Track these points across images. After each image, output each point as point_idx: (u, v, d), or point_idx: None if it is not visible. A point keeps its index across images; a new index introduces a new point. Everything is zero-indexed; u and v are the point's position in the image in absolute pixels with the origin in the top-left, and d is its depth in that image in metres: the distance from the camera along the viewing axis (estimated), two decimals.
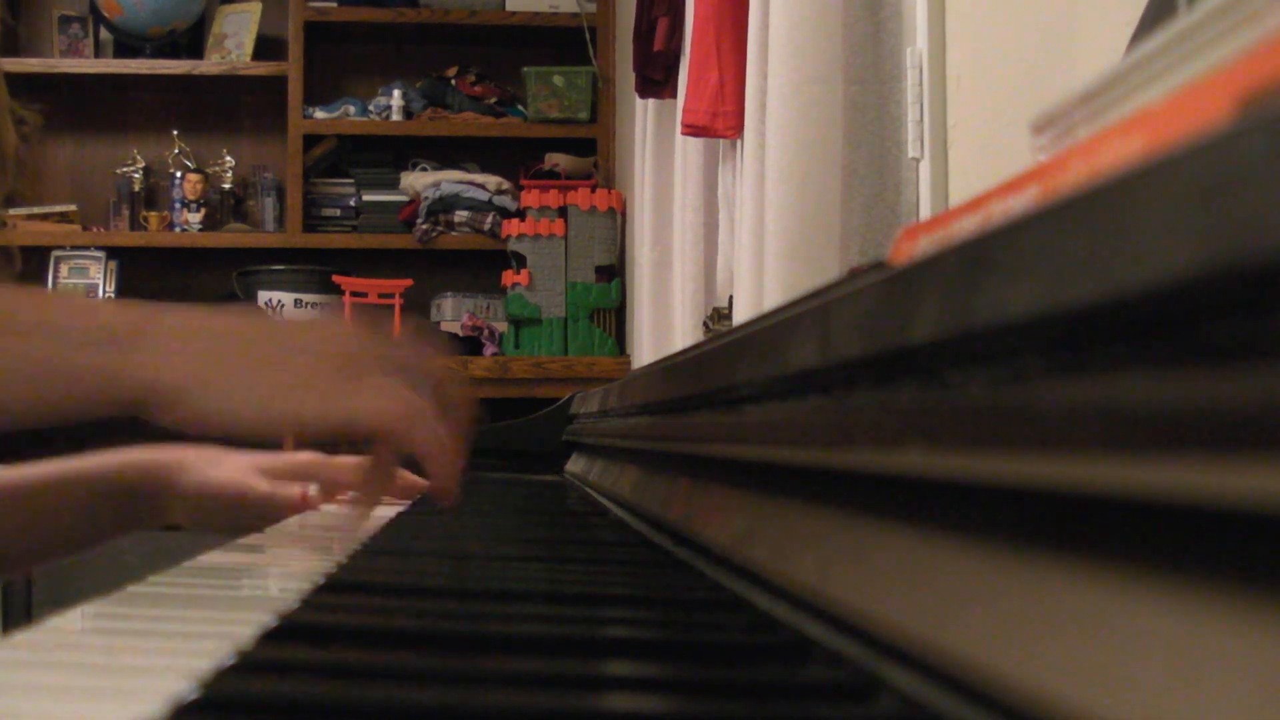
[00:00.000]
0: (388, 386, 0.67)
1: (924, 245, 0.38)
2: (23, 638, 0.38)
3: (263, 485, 1.01)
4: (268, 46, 3.63)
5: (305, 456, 1.08)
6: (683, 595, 0.52)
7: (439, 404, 0.69)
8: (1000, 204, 0.35)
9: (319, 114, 3.54)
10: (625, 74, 2.93)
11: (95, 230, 3.54)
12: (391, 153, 3.60)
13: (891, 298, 0.34)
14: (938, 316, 0.30)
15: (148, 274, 3.58)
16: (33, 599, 2.92)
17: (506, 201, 3.46)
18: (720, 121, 1.87)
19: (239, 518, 1.01)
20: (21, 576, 2.78)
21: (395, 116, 3.55)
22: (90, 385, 0.64)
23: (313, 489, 1.01)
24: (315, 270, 3.39)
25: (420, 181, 3.49)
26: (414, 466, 0.80)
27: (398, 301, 3.32)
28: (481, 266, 3.49)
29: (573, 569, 0.62)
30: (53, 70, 3.53)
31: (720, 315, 1.97)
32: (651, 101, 2.56)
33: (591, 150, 3.54)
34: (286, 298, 3.34)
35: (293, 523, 0.91)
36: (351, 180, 3.57)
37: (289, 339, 0.68)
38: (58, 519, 1.03)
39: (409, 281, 3.36)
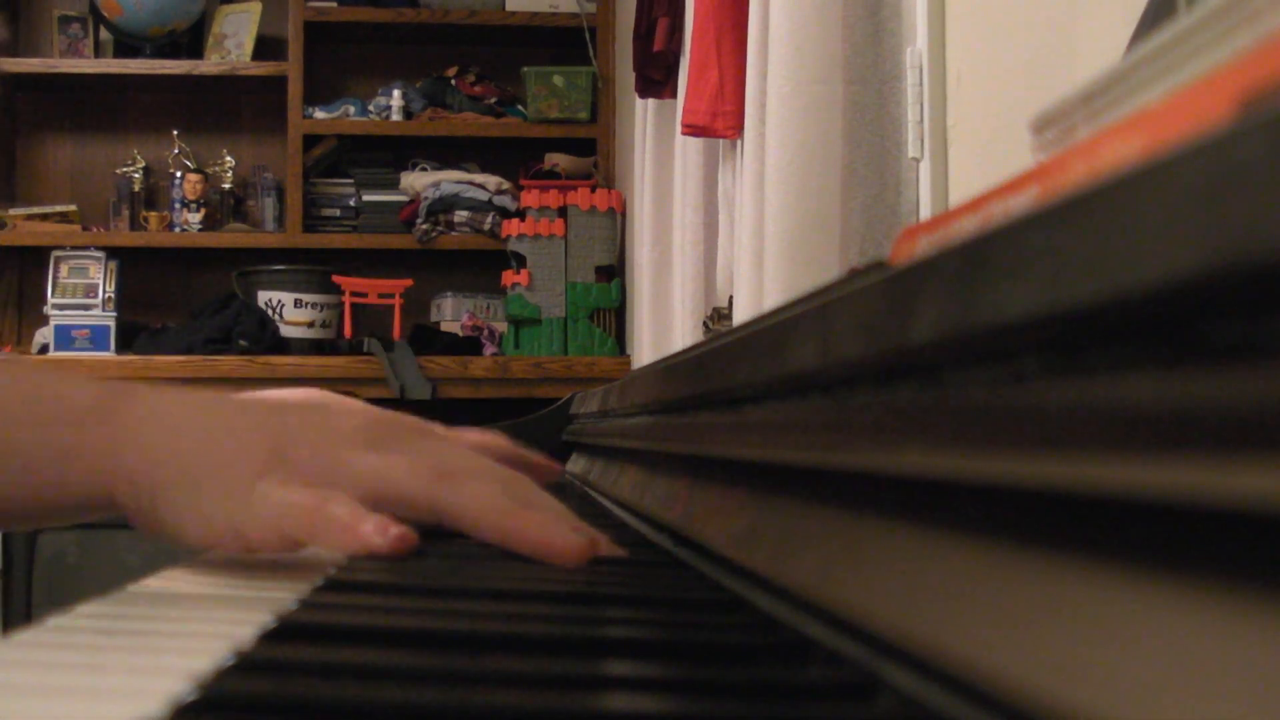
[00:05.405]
0: (396, 454, 0.56)
1: (924, 245, 0.38)
2: (23, 638, 0.38)
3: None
4: (268, 46, 3.63)
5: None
6: (683, 595, 0.52)
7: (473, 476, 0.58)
8: (1000, 204, 0.35)
9: (319, 114, 3.54)
10: (625, 74, 2.93)
11: (95, 230, 3.54)
12: (391, 153, 3.60)
13: (891, 298, 0.34)
14: (937, 317, 0.30)
15: (148, 274, 3.58)
16: (33, 599, 2.92)
17: (506, 201, 3.46)
18: (720, 121, 1.87)
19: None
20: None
21: (395, 116, 3.55)
22: (45, 466, 0.55)
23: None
24: (315, 270, 3.39)
25: (420, 181, 3.49)
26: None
27: (398, 301, 3.33)
28: (481, 266, 3.50)
29: (572, 569, 0.62)
30: (53, 70, 3.53)
31: (720, 315, 1.97)
32: (651, 101, 2.56)
33: (591, 150, 3.54)
34: (286, 297, 3.34)
35: None
36: (351, 180, 3.57)
37: (271, 421, 0.56)
38: None
39: (409, 281, 3.36)
